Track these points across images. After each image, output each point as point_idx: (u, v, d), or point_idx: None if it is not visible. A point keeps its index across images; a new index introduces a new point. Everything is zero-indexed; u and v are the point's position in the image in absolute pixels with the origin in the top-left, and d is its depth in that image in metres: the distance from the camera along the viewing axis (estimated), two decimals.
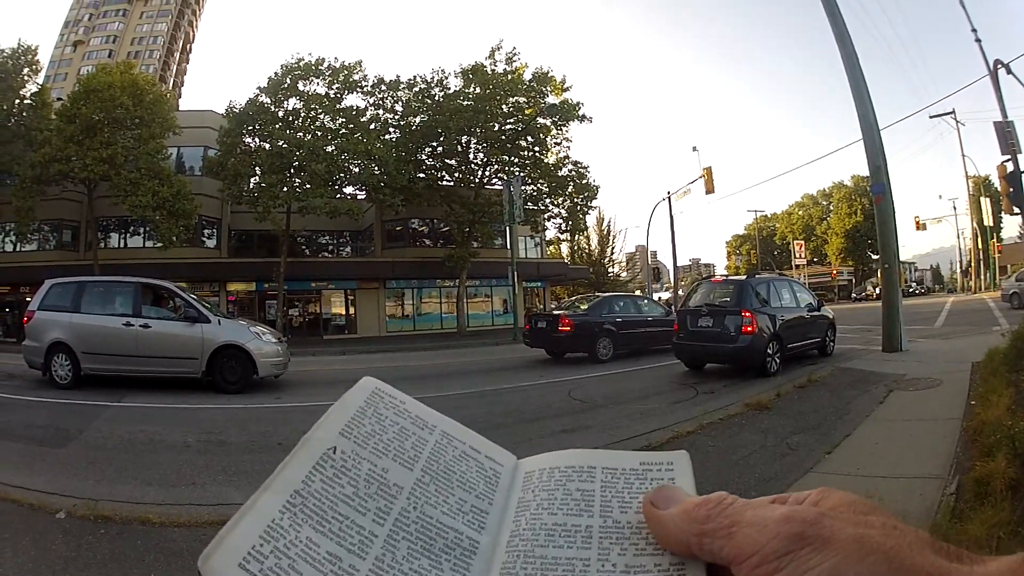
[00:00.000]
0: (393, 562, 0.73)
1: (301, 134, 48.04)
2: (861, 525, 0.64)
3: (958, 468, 7.84)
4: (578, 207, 53.16)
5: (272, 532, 0.71)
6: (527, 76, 49.94)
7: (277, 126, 47.82)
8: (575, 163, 52.82)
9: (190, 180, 49.09)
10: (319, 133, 48.41)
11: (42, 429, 12.32)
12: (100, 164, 43.21)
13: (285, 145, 46.81)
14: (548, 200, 53.19)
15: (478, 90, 48.74)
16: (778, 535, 0.64)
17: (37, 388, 17.24)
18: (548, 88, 50.08)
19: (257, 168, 47.77)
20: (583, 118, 50.19)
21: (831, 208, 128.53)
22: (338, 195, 49.20)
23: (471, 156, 51.72)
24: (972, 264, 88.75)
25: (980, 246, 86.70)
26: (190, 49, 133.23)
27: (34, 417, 13.55)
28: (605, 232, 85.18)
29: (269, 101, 48.77)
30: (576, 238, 73.96)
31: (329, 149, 47.34)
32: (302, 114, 49.01)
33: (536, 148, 51.35)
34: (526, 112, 49.53)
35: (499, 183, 49.75)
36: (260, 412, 15.05)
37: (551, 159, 52.31)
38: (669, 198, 54.66)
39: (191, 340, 17.84)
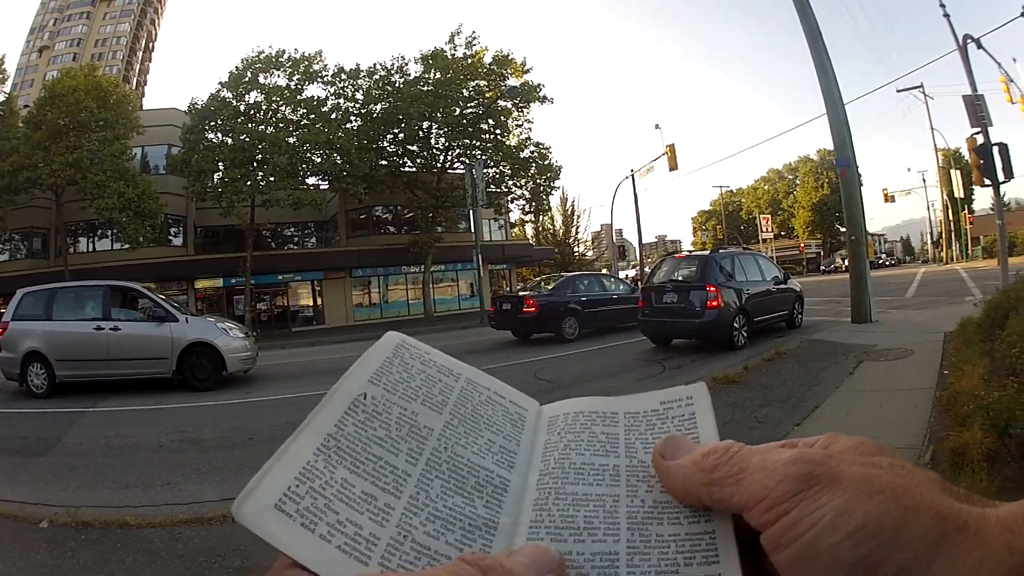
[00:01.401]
0: (427, 500, 0.75)
1: (263, 127, 47.84)
2: (869, 465, 0.64)
3: (932, 438, 7.79)
4: (541, 188, 53.37)
5: (307, 474, 0.72)
6: (487, 59, 49.97)
7: (239, 120, 47.66)
8: (537, 144, 53.05)
9: (155, 179, 48.93)
10: (281, 125, 48.24)
11: (23, 440, 12.36)
12: (67, 169, 42.81)
13: (247, 139, 46.66)
14: (511, 182, 53.41)
15: (438, 75, 48.71)
16: (786, 477, 0.64)
17: (15, 399, 17.40)
18: (508, 71, 50.07)
19: (220, 163, 47.39)
20: (544, 99, 50.35)
21: (797, 182, 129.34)
22: (301, 186, 48.98)
23: (432, 141, 51.59)
24: (943, 236, 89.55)
25: (951, 218, 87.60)
26: (152, 47, 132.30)
27: (14, 428, 13.70)
28: (569, 212, 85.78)
29: (230, 95, 48.50)
30: (540, 219, 73.67)
31: (291, 141, 47.05)
32: (263, 107, 48.83)
33: (497, 131, 51.51)
34: (487, 95, 49.59)
35: (461, 167, 49.60)
36: (231, 408, 15.17)
37: (513, 141, 52.41)
38: (632, 176, 54.72)
39: (160, 340, 17.97)
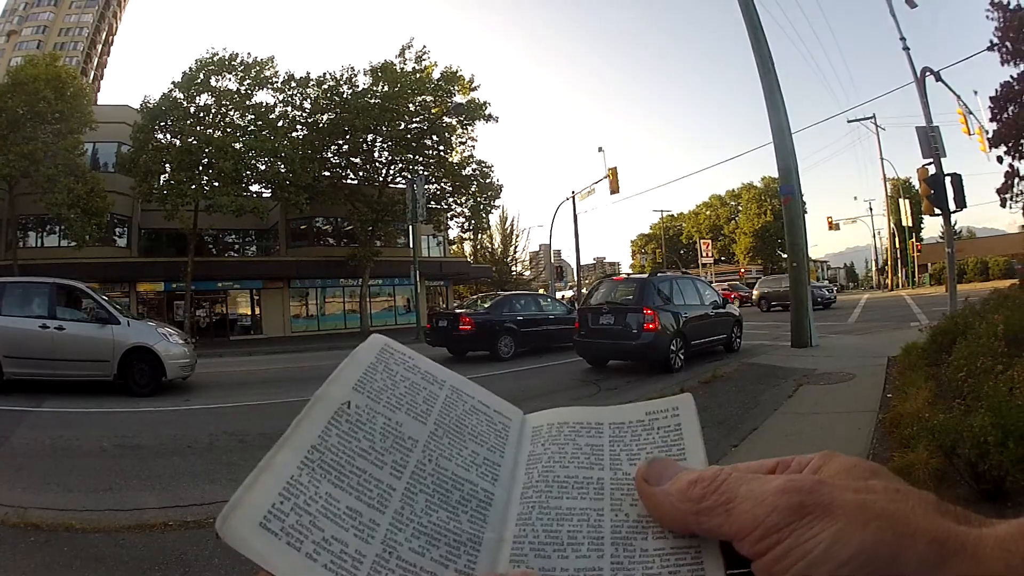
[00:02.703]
0: (412, 515, 0.75)
1: (211, 131, 47.59)
2: (862, 491, 0.63)
3: (875, 458, 7.62)
4: (481, 206, 53.71)
5: (291, 489, 0.72)
6: (436, 75, 50.24)
7: (188, 122, 47.44)
8: (479, 162, 53.46)
9: (104, 177, 48.23)
10: (228, 130, 47.97)
11: None
12: (21, 160, 42.25)
13: (195, 141, 46.49)
14: (451, 199, 53.76)
15: (386, 88, 48.84)
16: (776, 507, 0.63)
17: None
18: (456, 87, 50.43)
19: (167, 165, 46.99)
20: (489, 118, 50.90)
21: (740, 208, 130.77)
22: (245, 193, 48.74)
23: (376, 154, 51.81)
24: (888, 263, 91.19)
25: (898, 245, 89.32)
26: (112, 41, 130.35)
27: None
28: (508, 231, 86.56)
29: (182, 96, 48.20)
30: (479, 237, 75.10)
31: (237, 146, 46.87)
32: (213, 110, 48.52)
33: (441, 147, 51.77)
34: (433, 111, 49.86)
35: (403, 182, 49.42)
36: (170, 415, 15.14)
37: (455, 158, 52.77)
38: (573, 197, 55.10)
39: (103, 342, 17.69)
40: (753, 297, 57.25)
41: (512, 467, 0.85)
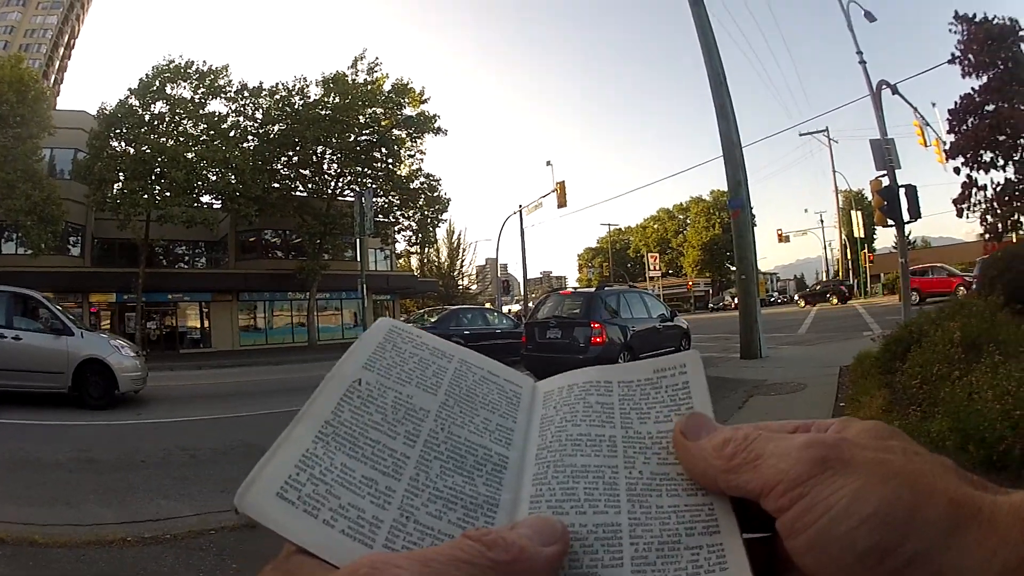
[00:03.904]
0: (428, 481, 0.75)
1: (164, 139, 47.47)
2: (882, 450, 0.64)
3: None
4: (428, 220, 54.38)
5: (307, 461, 0.73)
6: (387, 87, 50.64)
7: (143, 130, 47.25)
8: (427, 176, 54.03)
9: (59, 184, 47.69)
10: (181, 139, 47.85)
11: None
12: None
13: (148, 150, 46.37)
14: (399, 212, 54.26)
15: (337, 100, 49.17)
16: (800, 460, 0.64)
17: None
18: (406, 99, 50.93)
19: (121, 173, 46.79)
20: (438, 131, 51.56)
21: (688, 222, 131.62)
22: (195, 204, 48.92)
23: (325, 167, 52.09)
24: (840, 274, 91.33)
25: (849, 256, 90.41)
26: (73, 45, 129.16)
27: None
28: (455, 245, 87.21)
29: (138, 103, 48.06)
30: (426, 251, 75.61)
31: (189, 156, 46.75)
32: (167, 118, 48.46)
33: (390, 160, 52.24)
34: (383, 123, 50.27)
35: (351, 195, 50.07)
36: (124, 429, 15.13)
37: (404, 171, 53.30)
38: (520, 211, 55.37)
39: (58, 353, 17.45)
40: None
41: (525, 430, 0.86)
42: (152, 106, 48.13)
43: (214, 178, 47.94)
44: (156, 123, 47.99)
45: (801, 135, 79.67)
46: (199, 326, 57.39)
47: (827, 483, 0.61)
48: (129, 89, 48.26)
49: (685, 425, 0.75)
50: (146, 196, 45.40)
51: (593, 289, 23.19)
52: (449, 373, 0.89)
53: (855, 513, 0.58)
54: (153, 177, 46.30)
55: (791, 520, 0.62)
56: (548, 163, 55.91)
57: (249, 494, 0.68)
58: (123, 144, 47.62)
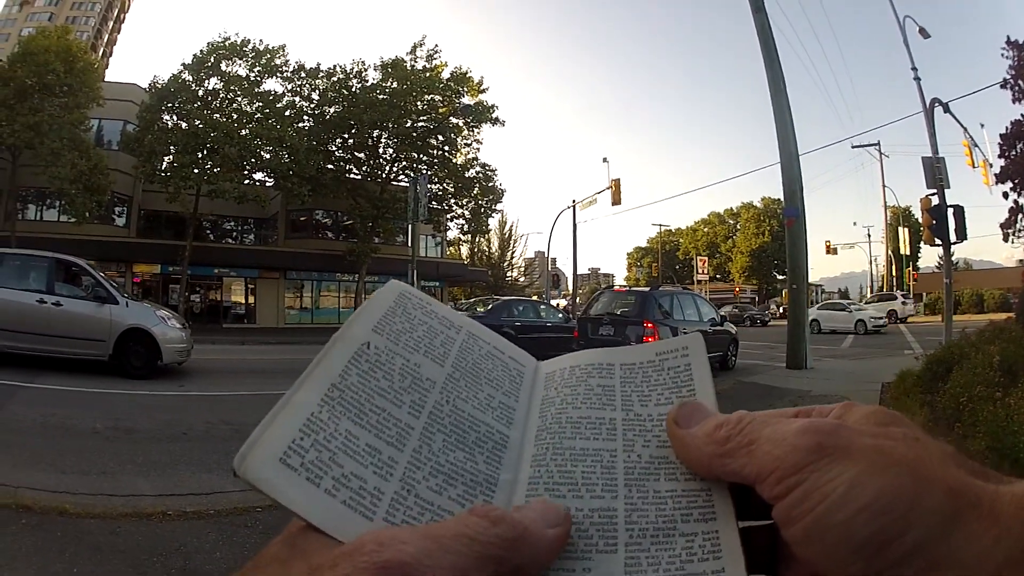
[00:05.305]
0: (430, 454, 0.75)
1: (218, 115, 47.51)
2: (882, 436, 0.63)
3: None
4: (482, 209, 54.07)
5: (311, 425, 0.71)
6: (445, 75, 50.18)
7: (196, 105, 47.31)
8: (483, 165, 53.67)
9: (107, 154, 47.88)
10: (235, 116, 47.94)
11: None
12: (27, 131, 41.86)
13: (201, 125, 46.41)
14: (452, 200, 54.01)
15: (395, 85, 48.87)
16: (796, 447, 0.62)
17: None
18: (465, 88, 50.48)
19: (172, 147, 46.88)
20: (496, 121, 51.08)
21: (738, 227, 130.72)
22: (247, 180, 49.01)
23: (380, 151, 51.95)
24: (884, 289, 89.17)
25: (894, 273, 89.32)
26: (123, 19, 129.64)
27: None
28: (507, 236, 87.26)
29: (191, 79, 48.15)
30: (477, 240, 75.16)
31: (243, 133, 46.91)
32: (221, 95, 48.57)
33: (446, 147, 51.93)
34: (440, 111, 49.98)
35: (405, 180, 49.75)
36: (165, 400, 14.94)
37: (460, 159, 52.90)
38: (574, 206, 54.70)
39: (100, 322, 17.38)
40: None
41: (526, 410, 0.87)
42: (206, 82, 48.42)
43: (267, 156, 47.98)
44: (210, 99, 48.24)
45: (854, 147, 78.52)
46: (243, 301, 57.50)
47: (824, 470, 0.60)
48: (183, 64, 48.63)
49: (678, 413, 0.77)
50: (197, 170, 45.77)
51: (647, 288, 23.22)
52: (457, 345, 0.90)
53: (852, 502, 0.58)
54: (205, 152, 46.61)
55: (787, 508, 0.62)
56: (604, 160, 55.52)
57: (250, 458, 0.66)
58: (175, 118, 47.93)
